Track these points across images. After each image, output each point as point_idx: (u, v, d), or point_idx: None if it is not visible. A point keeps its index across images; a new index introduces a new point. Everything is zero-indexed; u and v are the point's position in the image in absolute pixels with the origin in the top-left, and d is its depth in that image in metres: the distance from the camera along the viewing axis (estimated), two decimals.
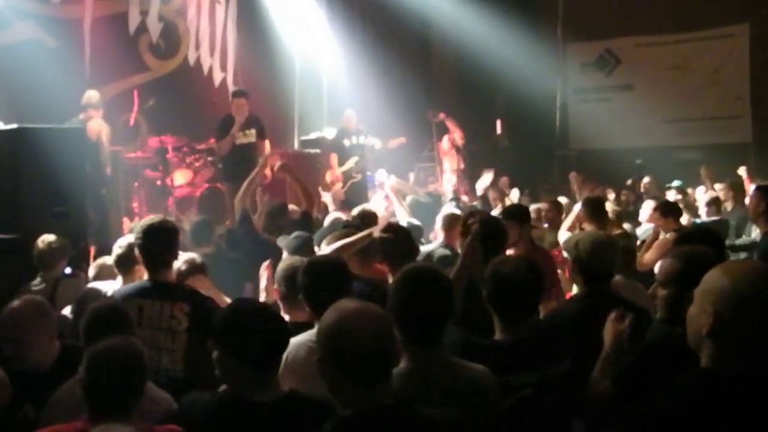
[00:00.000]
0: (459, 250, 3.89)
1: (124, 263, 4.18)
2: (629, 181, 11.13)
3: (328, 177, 9.81)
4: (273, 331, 2.40)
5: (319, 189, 6.70)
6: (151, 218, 3.87)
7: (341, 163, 9.83)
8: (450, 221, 5.31)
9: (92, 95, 7.81)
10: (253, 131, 8.61)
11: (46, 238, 5.04)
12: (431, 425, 1.95)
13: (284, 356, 2.73)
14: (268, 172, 7.15)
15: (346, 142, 9.97)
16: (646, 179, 8.66)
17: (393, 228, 4.07)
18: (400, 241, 3.93)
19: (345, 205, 9.51)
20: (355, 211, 5.73)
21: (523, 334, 2.73)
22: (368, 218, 5.33)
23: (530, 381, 2.64)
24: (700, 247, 2.87)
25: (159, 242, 3.63)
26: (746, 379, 1.75)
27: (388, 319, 1.99)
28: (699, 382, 1.80)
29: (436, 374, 2.40)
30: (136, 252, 3.76)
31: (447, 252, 5.05)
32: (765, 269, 1.82)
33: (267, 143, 8.79)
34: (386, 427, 1.87)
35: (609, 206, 6.25)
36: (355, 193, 9.69)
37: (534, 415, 2.62)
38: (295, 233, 4.82)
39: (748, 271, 1.81)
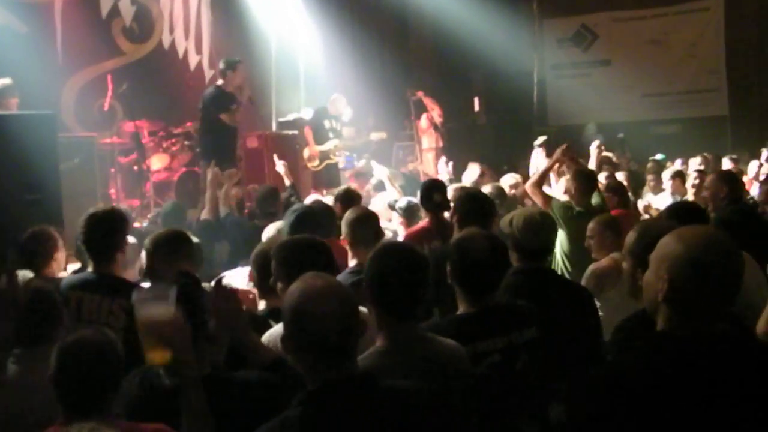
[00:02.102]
0: None
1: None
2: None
3: (306, 153, 9.76)
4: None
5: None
6: (96, 207, 3.71)
7: (317, 142, 9.77)
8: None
9: (4, 82, 7.24)
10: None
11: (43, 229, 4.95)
12: (394, 394, 1.98)
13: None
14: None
15: (326, 123, 9.92)
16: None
17: None
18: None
19: (319, 184, 9.55)
20: (337, 191, 5.76)
21: (486, 305, 2.78)
22: (351, 200, 5.36)
23: (497, 347, 2.69)
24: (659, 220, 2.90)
25: (102, 233, 3.48)
26: (698, 340, 1.79)
27: (351, 294, 2.01)
28: (653, 345, 1.84)
29: (414, 350, 2.42)
30: (78, 242, 3.63)
31: None
32: (717, 235, 1.86)
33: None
34: (351, 398, 1.89)
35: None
36: (329, 175, 9.70)
37: (504, 381, 2.66)
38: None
39: (701, 236, 1.84)
